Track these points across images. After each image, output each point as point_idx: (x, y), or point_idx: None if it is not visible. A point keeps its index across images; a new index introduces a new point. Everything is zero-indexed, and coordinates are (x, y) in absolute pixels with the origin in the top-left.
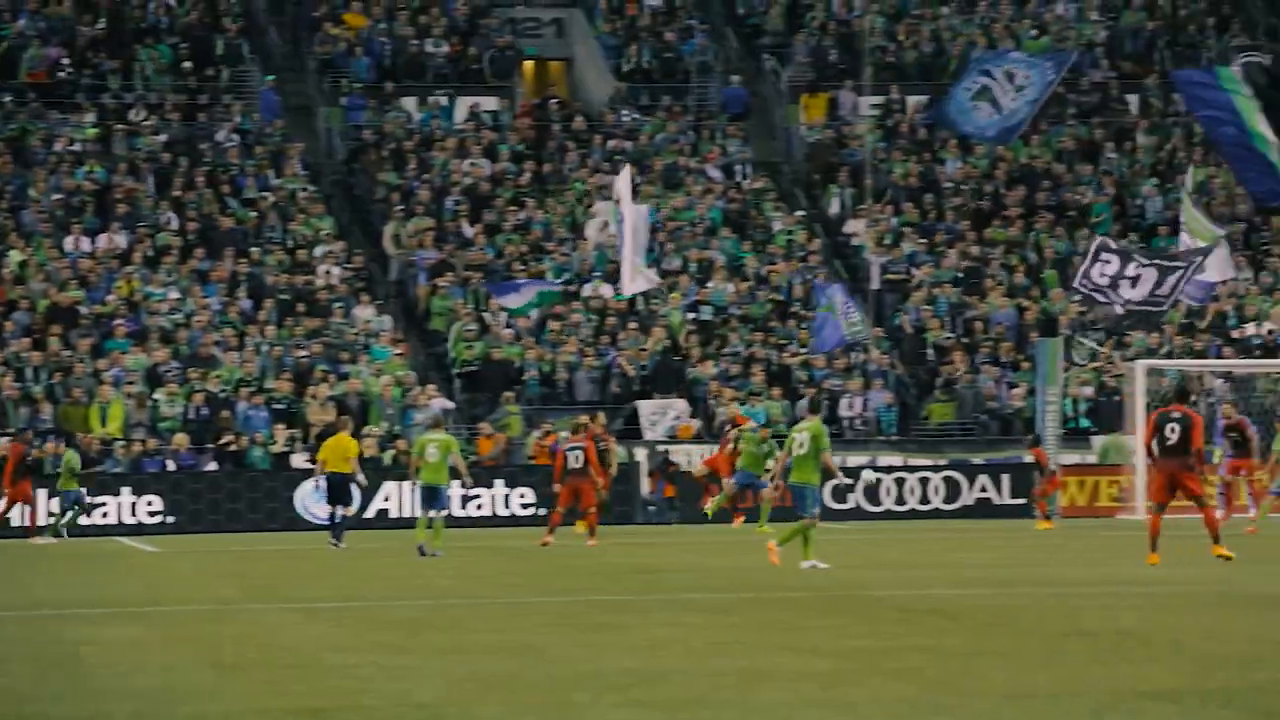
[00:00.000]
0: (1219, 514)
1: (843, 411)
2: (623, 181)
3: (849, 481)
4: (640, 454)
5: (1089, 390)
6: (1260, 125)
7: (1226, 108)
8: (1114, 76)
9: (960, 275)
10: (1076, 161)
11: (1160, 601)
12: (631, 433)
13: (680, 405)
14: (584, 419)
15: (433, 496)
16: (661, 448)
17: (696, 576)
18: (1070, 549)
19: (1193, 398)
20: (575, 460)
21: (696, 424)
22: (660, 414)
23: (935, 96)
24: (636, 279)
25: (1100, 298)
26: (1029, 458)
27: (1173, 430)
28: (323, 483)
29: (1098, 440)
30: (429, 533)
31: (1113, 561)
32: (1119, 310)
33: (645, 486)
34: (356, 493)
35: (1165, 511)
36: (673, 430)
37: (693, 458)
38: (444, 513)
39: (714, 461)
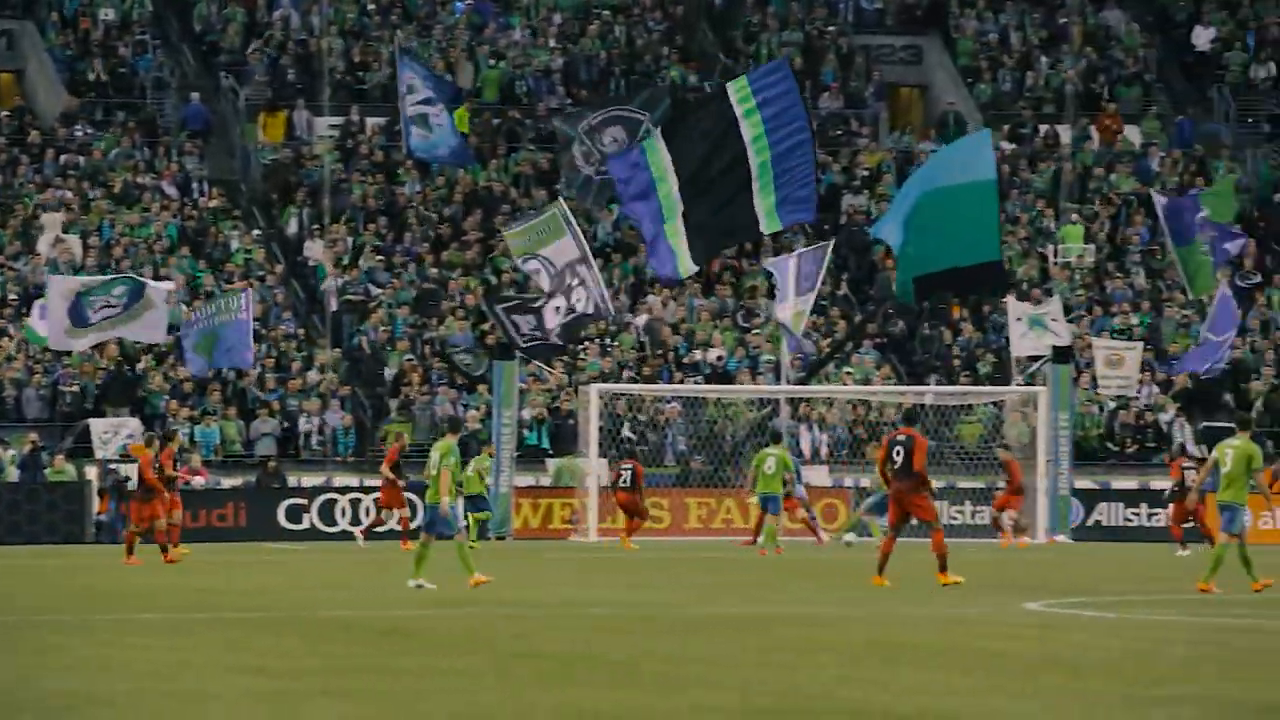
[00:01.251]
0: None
1: (302, 428)
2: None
3: (304, 501)
4: (91, 472)
5: (544, 413)
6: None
7: (649, 188)
8: (570, 104)
9: (418, 296)
10: (533, 186)
11: (612, 623)
12: (83, 451)
13: (133, 423)
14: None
15: None
16: (114, 466)
17: (147, 597)
18: (523, 571)
19: (919, 424)
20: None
21: None
22: (112, 432)
23: (393, 119)
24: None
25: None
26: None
27: (898, 453)
28: None
29: (552, 462)
30: None
31: (565, 583)
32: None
33: (96, 505)
34: None
35: (899, 535)
36: (125, 448)
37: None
38: None
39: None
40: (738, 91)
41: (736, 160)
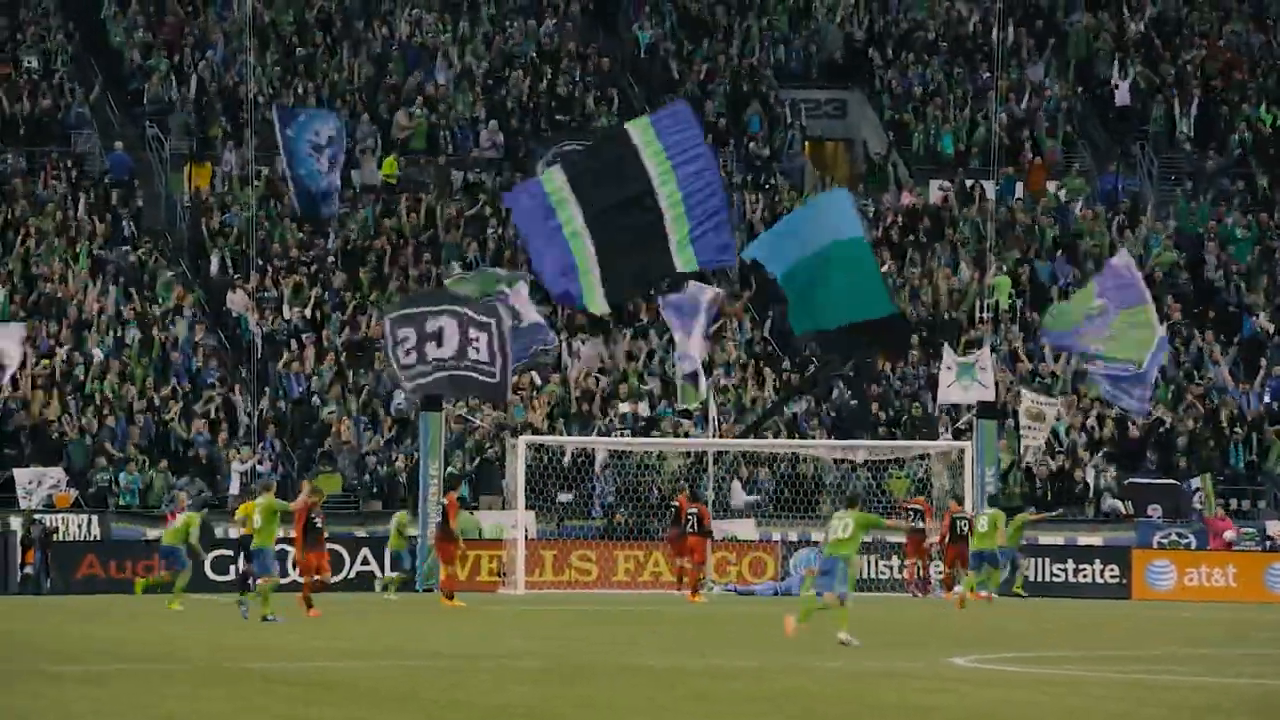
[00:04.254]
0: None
1: (235, 473)
2: None
3: (230, 553)
4: (15, 522)
5: (465, 464)
6: (575, 222)
7: (548, 213)
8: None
9: (351, 344)
10: (455, 231)
11: (539, 675)
12: (7, 500)
13: (57, 473)
14: None
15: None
16: (39, 516)
17: (72, 647)
18: (451, 623)
19: None
20: None
21: (73, 493)
22: (36, 482)
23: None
24: None
25: (420, 380)
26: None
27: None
28: None
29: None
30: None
31: (492, 635)
32: (439, 376)
33: (20, 556)
34: None
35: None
36: (49, 498)
37: (70, 526)
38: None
39: None
40: (641, 132)
41: (643, 196)
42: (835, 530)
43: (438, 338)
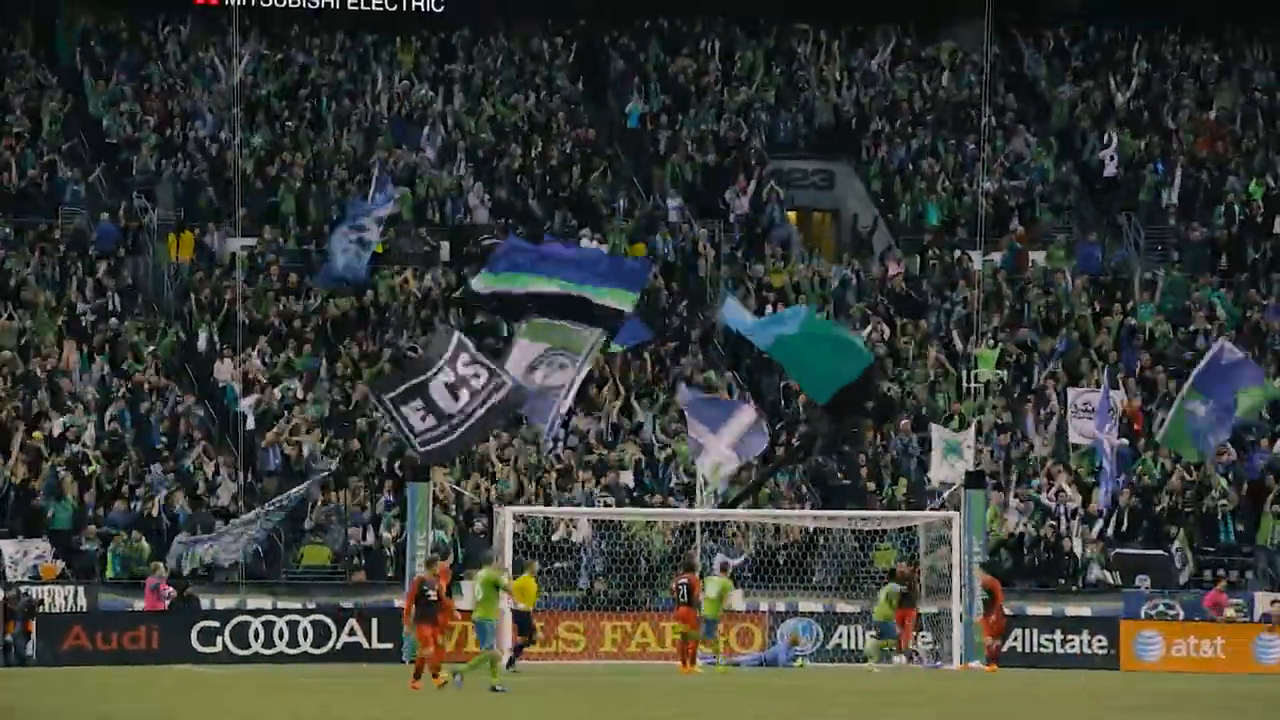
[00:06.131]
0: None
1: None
2: None
3: (216, 624)
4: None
5: (455, 533)
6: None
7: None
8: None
9: (333, 416)
10: (442, 306)
11: None
12: None
13: (42, 545)
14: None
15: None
16: (25, 588)
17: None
18: (435, 694)
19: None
20: None
21: (59, 565)
22: (22, 553)
23: (302, 239)
24: None
25: (443, 441)
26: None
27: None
28: None
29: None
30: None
31: (468, 703)
32: (467, 427)
33: (3, 627)
34: None
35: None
36: (35, 569)
37: (56, 597)
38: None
39: None
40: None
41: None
42: None
43: (452, 391)
